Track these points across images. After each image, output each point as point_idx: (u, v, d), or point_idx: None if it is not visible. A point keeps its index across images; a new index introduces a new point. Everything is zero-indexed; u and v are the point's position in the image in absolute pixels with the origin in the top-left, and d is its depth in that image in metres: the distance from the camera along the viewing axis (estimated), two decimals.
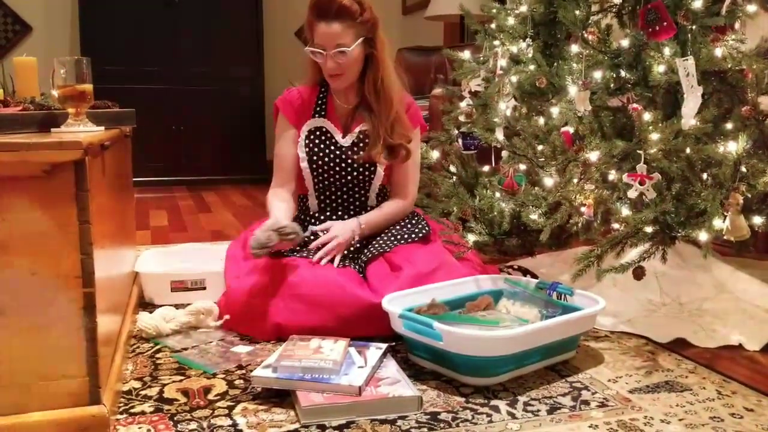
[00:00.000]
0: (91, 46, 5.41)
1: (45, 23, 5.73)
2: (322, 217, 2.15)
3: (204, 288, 2.22)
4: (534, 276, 2.33)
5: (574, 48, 2.23)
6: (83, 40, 5.44)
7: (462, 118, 2.37)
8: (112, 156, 1.81)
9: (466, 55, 2.40)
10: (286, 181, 2.19)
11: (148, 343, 1.86)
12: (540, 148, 1.96)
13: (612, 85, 1.90)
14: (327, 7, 1.99)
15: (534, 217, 1.91)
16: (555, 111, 2.00)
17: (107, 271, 1.57)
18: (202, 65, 5.72)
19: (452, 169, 2.46)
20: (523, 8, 2.21)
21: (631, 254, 1.89)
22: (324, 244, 1.99)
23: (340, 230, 2.03)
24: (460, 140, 2.33)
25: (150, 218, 4.03)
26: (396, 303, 1.75)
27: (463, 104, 2.39)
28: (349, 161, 2.12)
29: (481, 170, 2.38)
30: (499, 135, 2.16)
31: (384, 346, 1.67)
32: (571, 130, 1.96)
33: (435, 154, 2.40)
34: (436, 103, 3.50)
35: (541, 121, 2.07)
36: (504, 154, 2.41)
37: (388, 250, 2.03)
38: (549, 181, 1.95)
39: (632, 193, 1.79)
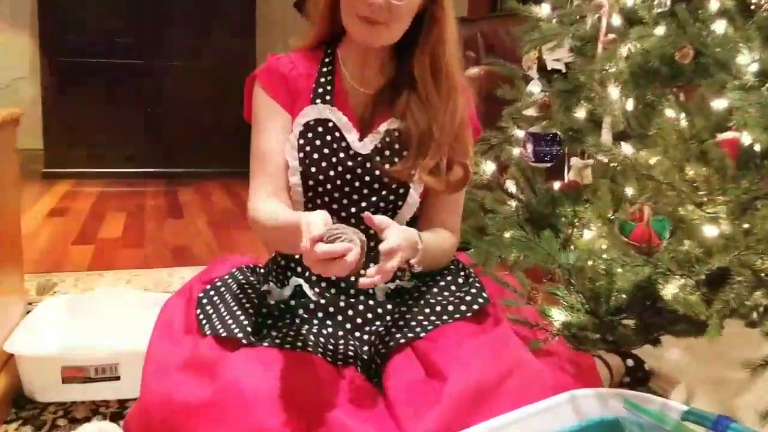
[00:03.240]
0: (52, 11, 4.53)
1: None
2: (302, 271, 1.32)
3: (117, 377, 1.39)
4: (644, 375, 1.51)
5: (714, 4, 1.38)
6: (42, 3, 4.56)
7: (531, 112, 1.52)
8: None
9: (544, 9, 1.53)
10: (277, 192, 1.31)
11: None
12: (690, 172, 1.11)
13: None
14: None
15: (682, 293, 1.06)
16: (719, 104, 1.14)
17: None
18: (184, 38, 4.81)
19: (511, 188, 1.61)
20: None
21: None
22: (386, 254, 1.06)
23: (403, 239, 1.11)
24: (529, 146, 1.48)
25: (102, 226, 3.18)
26: None
27: (533, 89, 1.54)
28: (367, 178, 1.27)
29: (557, 193, 1.53)
30: (607, 137, 1.30)
31: None
32: (746, 138, 1.11)
33: (490, 168, 1.55)
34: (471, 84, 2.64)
35: (683, 121, 1.21)
36: (574, 161, 1.58)
37: (422, 334, 1.18)
38: (711, 231, 1.09)
39: None
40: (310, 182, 1.28)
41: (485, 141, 1.72)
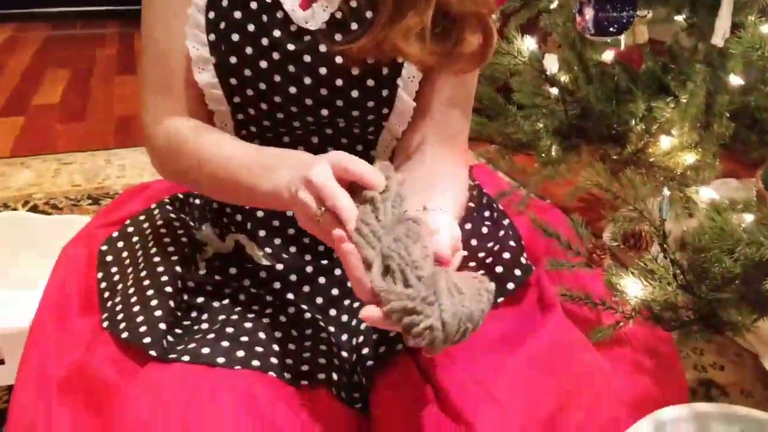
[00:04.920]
0: None
1: None
2: (242, 220, 0.87)
3: (1, 362, 0.99)
4: None
5: None
6: None
7: None
8: None
9: None
10: (189, 107, 0.82)
11: None
12: None
13: None
14: None
15: None
16: None
17: None
18: None
19: (552, 66, 1.13)
20: None
21: None
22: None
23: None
24: (589, 10, 0.98)
25: (39, 88, 2.66)
26: None
27: None
28: (322, 70, 0.77)
29: (624, 79, 1.05)
30: (728, 11, 0.80)
31: None
32: None
33: (530, 45, 1.04)
34: None
35: None
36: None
37: None
38: None
39: None
40: (232, 81, 0.78)
41: None
